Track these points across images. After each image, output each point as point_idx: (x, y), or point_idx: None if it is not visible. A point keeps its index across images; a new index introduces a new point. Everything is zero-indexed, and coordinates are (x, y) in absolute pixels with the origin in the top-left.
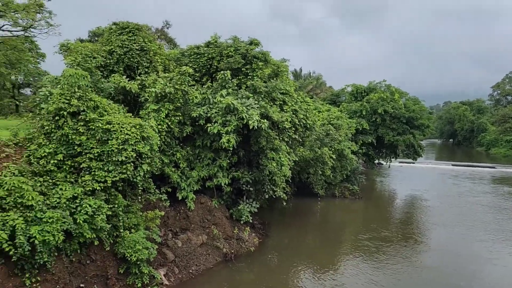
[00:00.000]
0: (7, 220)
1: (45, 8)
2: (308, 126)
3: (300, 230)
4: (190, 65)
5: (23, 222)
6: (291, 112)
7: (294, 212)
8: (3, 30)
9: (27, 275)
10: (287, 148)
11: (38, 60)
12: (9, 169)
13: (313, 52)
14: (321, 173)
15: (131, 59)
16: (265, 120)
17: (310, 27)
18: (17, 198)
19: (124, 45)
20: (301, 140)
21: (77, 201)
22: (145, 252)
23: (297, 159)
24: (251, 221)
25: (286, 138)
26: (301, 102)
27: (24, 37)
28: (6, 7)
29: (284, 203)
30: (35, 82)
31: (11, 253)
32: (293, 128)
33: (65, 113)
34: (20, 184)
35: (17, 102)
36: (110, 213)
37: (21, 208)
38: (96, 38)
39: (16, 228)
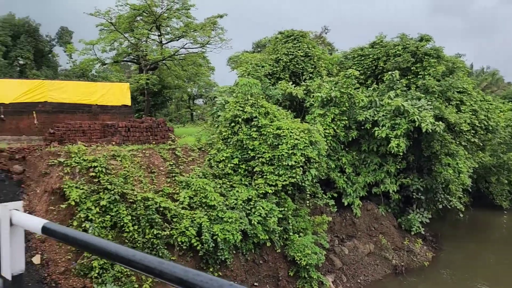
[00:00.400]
0: (195, 218)
1: (218, 25)
2: (491, 128)
3: (479, 246)
4: (354, 67)
5: (207, 220)
6: (470, 113)
7: (471, 225)
8: (185, 48)
9: (210, 269)
10: (465, 153)
11: (209, 73)
12: (195, 171)
13: (484, 45)
14: (506, 182)
15: (296, 66)
16: (440, 122)
17: (478, 18)
18: (202, 198)
19: (289, 53)
20: (481, 144)
21: (252, 203)
22: (314, 257)
23: (476, 166)
24: (422, 232)
25: (464, 142)
26: (481, 101)
27: (200, 53)
28: (187, 28)
29: (460, 215)
30: (206, 93)
31: (198, 248)
32: (472, 131)
33: (240, 119)
34: (204, 185)
35: (192, 112)
36: (281, 216)
37: (205, 207)
38: (259, 49)
39: (202, 225)
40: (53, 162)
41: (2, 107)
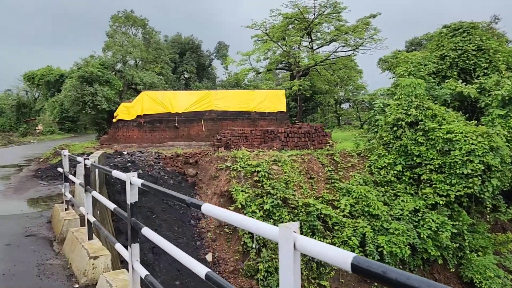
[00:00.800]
0: (358, 227)
1: (371, 26)
2: None
3: None
4: None
5: (371, 230)
6: None
7: None
8: (336, 52)
9: (375, 284)
10: None
11: (358, 76)
12: (355, 178)
13: None
14: None
15: (467, 61)
16: None
17: None
18: (364, 206)
19: (457, 47)
20: None
21: (419, 214)
22: (498, 281)
23: None
24: None
25: None
26: None
27: (350, 56)
28: (338, 31)
29: None
30: (354, 96)
31: None
32: None
33: (403, 123)
34: (365, 193)
35: (339, 116)
36: (455, 231)
37: (368, 217)
38: (413, 47)
39: (365, 235)
40: (221, 166)
41: (177, 116)
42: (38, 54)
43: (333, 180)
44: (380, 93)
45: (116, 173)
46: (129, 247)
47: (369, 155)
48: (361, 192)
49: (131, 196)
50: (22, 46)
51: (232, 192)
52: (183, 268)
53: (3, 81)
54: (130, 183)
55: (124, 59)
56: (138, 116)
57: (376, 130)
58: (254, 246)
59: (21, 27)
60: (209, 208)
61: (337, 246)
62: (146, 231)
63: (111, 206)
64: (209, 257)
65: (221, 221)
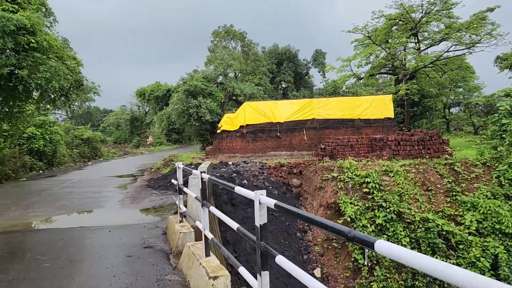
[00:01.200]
0: (488, 247)
1: (489, 20)
2: None
3: None
4: None
5: (505, 251)
6: None
7: None
8: (448, 52)
9: None
10: None
11: (474, 76)
12: (481, 190)
13: None
14: None
15: None
16: None
17: None
18: (494, 223)
19: None
20: None
21: None
22: None
23: None
24: None
25: None
26: None
27: (463, 55)
28: (449, 29)
29: None
30: (465, 99)
31: None
32: None
33: None
34: (495, 207)
35: (448, 121)
36: None
37: (499, 235)
38: None
39: (498, 257)
40: (327, 177)
41: (278, 125)
42: (148, 72)
43: (454, 193)
44: (500, 94)
45: (239, 190)
46: (258, 275)
47: (496, 165)
48: (489, 206)
49: (260, 217)
50: (134, 65)
51: (340, 204)
52: (290, 282)
53: (119, 97)
54: (259, 203)
55: (225, 72)
56: (241, 127)
57: (503, 135)
58: (366, 263)
59: (134, 48)
60: (390, 249)
61: (464, 268)
62: (281, 260)
63: (234, 225)
64: (317, 273)
65: (329, 235)
